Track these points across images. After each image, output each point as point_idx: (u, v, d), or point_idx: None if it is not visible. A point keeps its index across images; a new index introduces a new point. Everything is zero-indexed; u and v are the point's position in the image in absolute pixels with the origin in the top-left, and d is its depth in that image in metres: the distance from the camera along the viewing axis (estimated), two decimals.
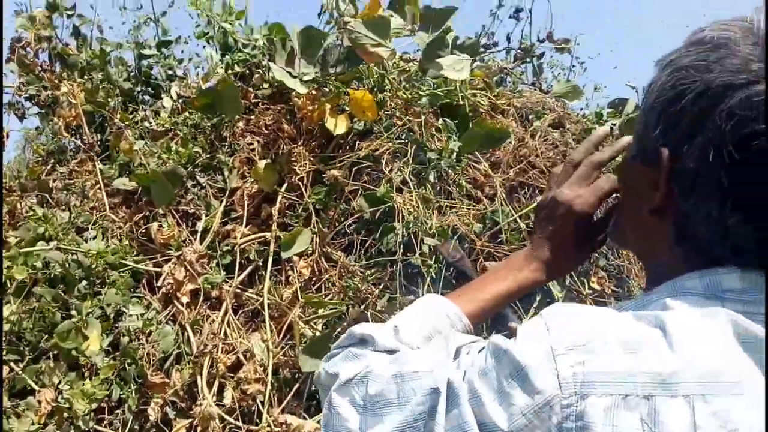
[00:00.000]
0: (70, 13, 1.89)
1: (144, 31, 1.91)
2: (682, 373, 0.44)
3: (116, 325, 1.15)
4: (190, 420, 1.05)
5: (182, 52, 1.94)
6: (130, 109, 1.71)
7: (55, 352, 1.07)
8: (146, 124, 1.59)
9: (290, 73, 1.31)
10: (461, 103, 1.42)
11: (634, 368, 0.44)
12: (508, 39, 1.98)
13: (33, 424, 0.97)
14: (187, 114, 1.51)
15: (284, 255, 1.15)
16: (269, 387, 1.08)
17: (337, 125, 1.24)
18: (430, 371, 0.53)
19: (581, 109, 1.85)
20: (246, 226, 1.26)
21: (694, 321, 0.47)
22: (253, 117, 1.52)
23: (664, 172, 0.50)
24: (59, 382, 1.07)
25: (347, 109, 1.32)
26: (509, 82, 2.00)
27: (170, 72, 1.88)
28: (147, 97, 1.85)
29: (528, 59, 1.99)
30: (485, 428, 0.47)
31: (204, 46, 1.76)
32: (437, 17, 1.31)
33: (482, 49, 1.94)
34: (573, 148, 1.56)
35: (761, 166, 0.45)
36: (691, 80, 0.49)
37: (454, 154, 1.24)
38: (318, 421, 1.04)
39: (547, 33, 1.95)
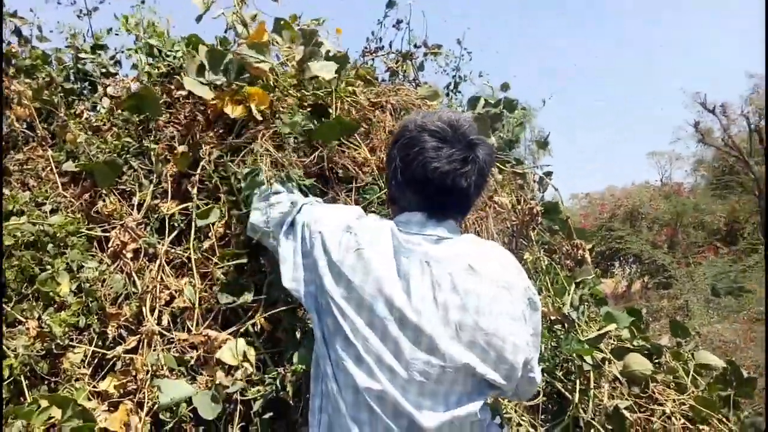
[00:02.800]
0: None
1: (79, 33, 2.28)
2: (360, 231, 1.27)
3: (78, 275, 1.58)
4: (138, 336, 1.51)
5: (115, 49, 2.32)
6: (73, 102, 2.09)
7: (37, 295, 1.51)
8: (85, 117, 1.98)
9: (201, 82, 1.75)
10: (331, 101, 1.89)
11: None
12: (390, 45, 2.46)
13: (26, 342, 1.41)
14: (119, 112, 1.91)
15: (199, 223, 1.62)
16: (196, 312, 1.56)
17: (234, 110, 1.69)
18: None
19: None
20: (171, 199, 1.71)
21: (379, 223, 1.29)
22: (173, 110, 1.95)
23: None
24: (39, 317, 1.50)
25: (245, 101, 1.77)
26: (393, 80, 2.49)
27: (104, 70, 2.25)
28: (86, 92, 2.23)
29: (408, 61, 2.48)
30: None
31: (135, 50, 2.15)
32: (307, 35, 1.79)
33: (370, 53, 2.41)
34: None
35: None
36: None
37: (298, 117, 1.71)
38: (228, 336, 1.54)
39: (422, 40, 2.45)
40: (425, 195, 1.26)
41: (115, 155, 1.76)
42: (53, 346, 1.46)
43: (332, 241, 1.26)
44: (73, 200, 1.78)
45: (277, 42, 1.93)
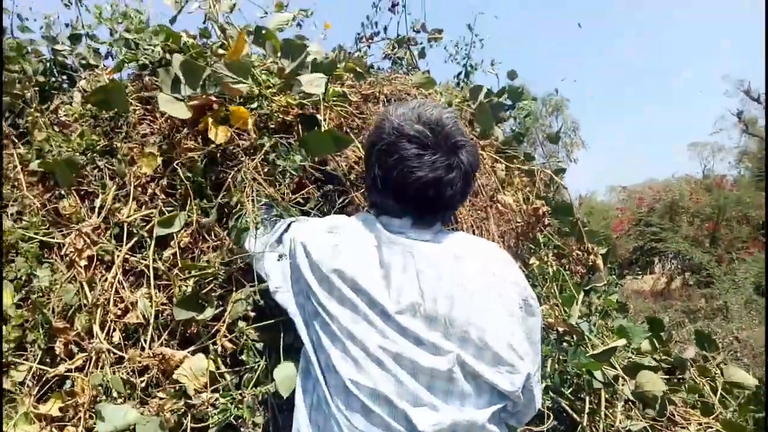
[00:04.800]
0: None
1: (56, 24, 2.16)
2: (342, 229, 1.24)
3: (29, 285, 1.46)
4: (87, 353, 1.38)
5: (94, 40, 2.19)
6: (50, 97, 1.98)
7: None
8: (58, 114, 1.86)
9: (176, 97, 1.59)
10: (319, 112, 1.71)
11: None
12: (385, 29, 2.28)
13: None
14: (89, 107, 1.78)
15: (159, 233, 1.48)
16: (150, 328, 1.42)
17: (218, 135, 1.54)
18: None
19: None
20: (135, 203, 1.57)
21: (362, 219, 1.27)
22: (149, 106, 1.81)
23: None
24: None
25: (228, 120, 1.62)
26: (396, 68, 2.31)
27: (83, 61, 2.13)
28: (65, 85, 2.11)
29: (407, 47, 2.29)
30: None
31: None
32: (295, 48, 1.62)
33: (365, 39, 2.24)
34: None
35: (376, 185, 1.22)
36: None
37: (299, 157, 1.54)
38: (187, 355, 1.39)
39: (420, 24, 2.25)
40: (408, 203, 1.19)
41: (78, 153, 1.63)
42: None
43: (314, 244, 1.21)
44: (35, 201, 1.66)
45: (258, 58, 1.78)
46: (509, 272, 1.20)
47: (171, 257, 1.51)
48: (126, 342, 1.42)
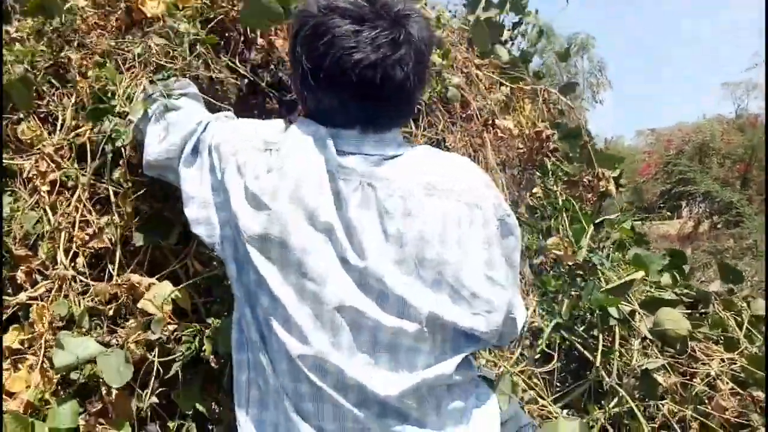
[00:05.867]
0: None
1: None
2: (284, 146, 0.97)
3: None
4: (50, 280, 1.29)
5: None
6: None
7: None
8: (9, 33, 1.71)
9: None
10: None
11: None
12: None
13: None
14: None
15: (107, 149, 1.34)
16: (118, 254, 1.32)
17: (152, 6, 1.39)
18: None
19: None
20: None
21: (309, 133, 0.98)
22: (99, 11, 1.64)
23: None
24: None
25: None
26: None
27: None
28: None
29: None
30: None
31: None
32: None
33: None
34: None
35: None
36: None
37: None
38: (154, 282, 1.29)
39: None
40: (350, 101, 0.95)
41: (27, 68, 1.49)
42: None
43: (248, 164, 0.97)
44: None
45: None
46: (483, 191, 1.01)
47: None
48: (92, 271, 1.32)
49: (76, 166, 1.40)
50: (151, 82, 1.29)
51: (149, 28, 1.49)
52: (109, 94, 1.35)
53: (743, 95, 17.37)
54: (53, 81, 1.48)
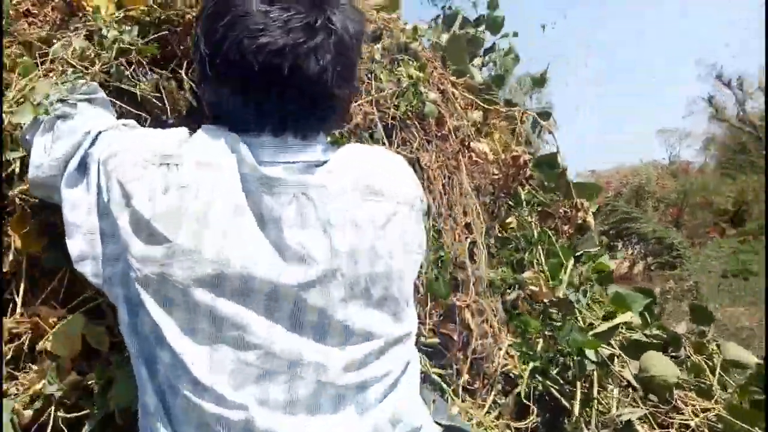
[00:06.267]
0: None
1: None
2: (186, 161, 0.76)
3: None
4: None
5: None
6: None
7: None
8: None
9: None
10: None
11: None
12: None
13: None
14: None
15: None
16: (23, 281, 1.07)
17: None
18: None
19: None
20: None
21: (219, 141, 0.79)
22: None
23: None
24: None
25: None
26: None
27: None
28: None
29: None
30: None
31: None
32: None
33: None
34: (381, 64, 1.53)
35: None
36: None
37: None
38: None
39: None
40: (253, 94, 0.77)
41: None
42: None
43: (141, 182, 0.75)
44: None
45: None
46: (414, 187, 0.88)
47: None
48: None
49: None
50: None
51: (87, 23, 1.28)
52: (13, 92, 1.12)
53: (676, 143, 18.31)
54: None
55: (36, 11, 1.33)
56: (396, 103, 1.37)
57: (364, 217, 0.78)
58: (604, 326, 1.46)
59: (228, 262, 0.70)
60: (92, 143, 0.85)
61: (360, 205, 0.78)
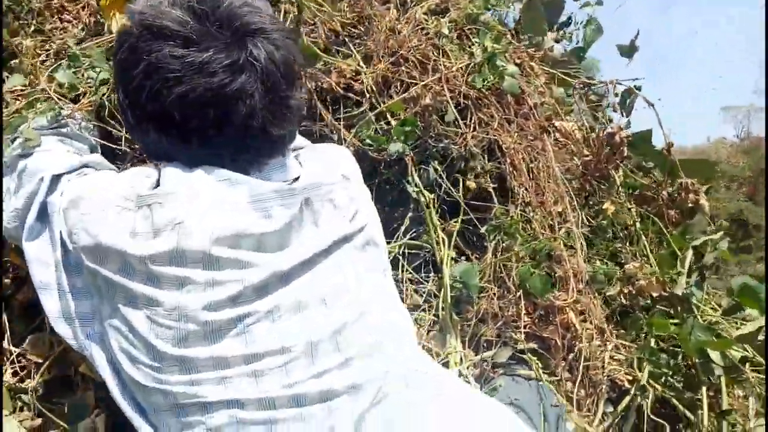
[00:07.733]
0: None
1: None
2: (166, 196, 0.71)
3: None
4: None
5: None
6: None
7: None
8: None
9: None
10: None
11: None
12: None
13: None
14: None
15: None
16: None
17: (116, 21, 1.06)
18: None
19: None
20: None
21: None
22: None
23: None
24: None
25: None
26: None
27: None
28: None
29: None
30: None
31: None
32: None
33: None
34: (449, 38, 1.36)
35: None
36: None
37: None
38: None
39: None
40: (191, 142, 0.72)
41: None
42: None
43: (114, 229, 0.69)
44: None
45: None
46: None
47: None
48: None
49: None
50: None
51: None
52: None
53: (744, 119, 17.28)
54: None
55: (70, 9, 1.22)
56: (470, 80, 1.20)
57: (360, 203, 0.82)
58: (750, 326, 1.22)
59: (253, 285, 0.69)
60: (49, 190, 0.78)
61: (345, 196, 0.79)
